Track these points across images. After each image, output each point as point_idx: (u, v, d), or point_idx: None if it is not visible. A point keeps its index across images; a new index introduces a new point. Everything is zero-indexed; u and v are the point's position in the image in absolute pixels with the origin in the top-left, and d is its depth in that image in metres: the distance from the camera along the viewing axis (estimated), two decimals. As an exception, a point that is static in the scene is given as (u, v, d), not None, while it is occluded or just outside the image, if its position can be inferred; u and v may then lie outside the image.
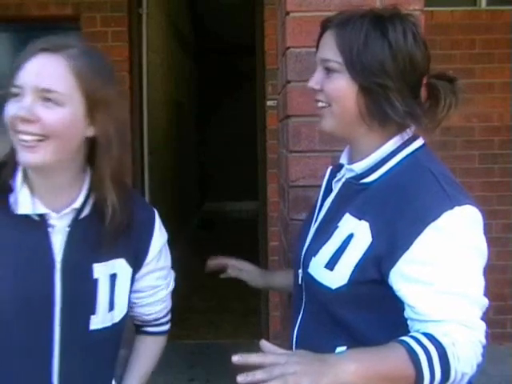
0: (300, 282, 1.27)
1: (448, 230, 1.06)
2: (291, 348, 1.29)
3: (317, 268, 1.19)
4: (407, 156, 1.18)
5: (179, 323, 5.11)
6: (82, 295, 1.20)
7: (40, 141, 1.10)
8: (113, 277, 1.23)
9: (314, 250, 1.22)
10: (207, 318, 4.90)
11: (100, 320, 1.21)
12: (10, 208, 1.16)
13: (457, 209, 1.07)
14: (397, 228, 1.08)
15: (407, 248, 1.06)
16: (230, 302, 5.19)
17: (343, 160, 1.29)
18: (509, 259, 4.10)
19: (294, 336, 1.29)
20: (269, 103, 4.10)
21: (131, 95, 4.23)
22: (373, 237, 1.11)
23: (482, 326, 1.06)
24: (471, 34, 4.15)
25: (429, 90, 1.21)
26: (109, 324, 1.23)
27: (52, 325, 1.16)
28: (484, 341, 1.06)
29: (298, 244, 1.32)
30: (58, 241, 1.17)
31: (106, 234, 1.19)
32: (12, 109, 1.10)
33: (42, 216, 1.17)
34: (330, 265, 1.16)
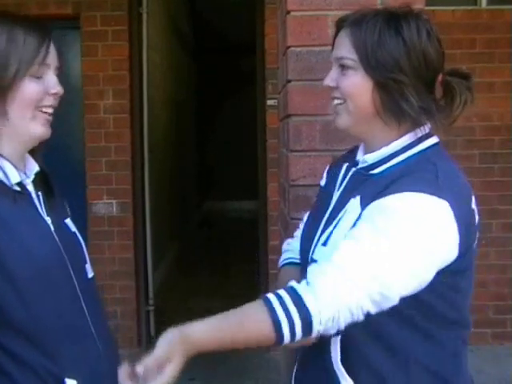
0: None
1: (413, 207, 1.06)
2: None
3: (317, 250, 1.21)
4: (418, 153, 1.18)
5: (179, 323, 5.13)
6: (74, 248, 1.27)
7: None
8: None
9: (322, 241, 1.23)
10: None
11: (89, 269, 1.32)
12: (1, 184, 1.17)
13: (434, 198, 1.06)
14: (380, 193, 1.10)
15: (376, 199, 1.09)
16: (229, 301, 5.16)
17: (359, 156, 1.29)
18: (509, 259, 4.09)
19: None
20: (269, 102, 4.10)
21: (131, 94, 4.23)
22: (361, 208, 1.13)
23: (367, 286, 1.02)
24: (472, 33, 4.15)
25: (444, 88, 1.22)
26: (92, 274, 1.32)
27: (73, 282, 1.22)
28: (363, 302, 1.03)
29: (306, 240, 1.32)
30: (38, 205, 1.23)
31: (54, 193, 1.29)
32: (36, 87, 1.19)
33: (21, 185, 1.20)
34: (325, 242, 1.19)
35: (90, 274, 1.31)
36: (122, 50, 4.16)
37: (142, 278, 4.41)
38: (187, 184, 8.82)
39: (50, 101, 1.23)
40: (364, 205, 1.13)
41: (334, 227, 1.20)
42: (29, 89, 1.19)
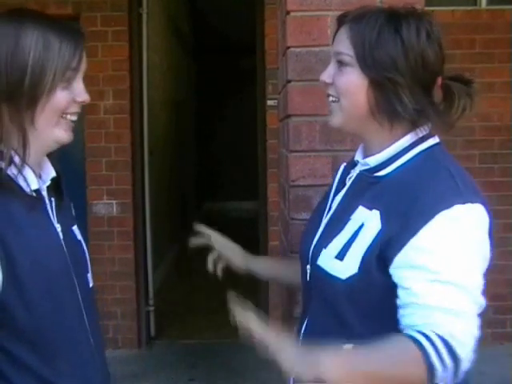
0: (308, 278, 1.26)
1: (457, 222, 1.07)
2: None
3: (327, 259, 1.18)
4: (422, 152, 1.18)
5: (179, 323, 5.13)
6: (78, 257, 1.27)
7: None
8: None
9: (324, 242, 1.21)
10: (207, 318, 4.89)
11: (91, 278, 1.31)
12: (20, 188, 1.16)
13: (469, 205, 1.08)
14: (407, 215, 1.08)
15: (415, 234, 1.07)
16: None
17: (358, 157, 1.28)
18: (509, 259, 4.09)
19: (301, 336, 1.27)
20: (269, 103, 4.11)
21: (131, 94, 4.23)
22: (382, 224, 1.11)
23: (476, 321, 1.06)
24: (471, 33, 4.15)
25: (444, 92, 1.21)
26: (92, 283, 1.32)
27: (76, 291, 1.22)
28: (477, 334, 1.06)
29: (306, 239, 1.30)
30: (50, 211, 1.22)
31: (62, 200, 1.27)
32: (67, 96, 1.17)
33: (36, 191, 1.19)
34: (341, 255, 1.16)
35: (91, 284, 1.31)
36: (121, 50, 4.16)
37: (142, 278, 4.41)
38: (187, 184, 8.82)
39: (75, 108, 1.22)
40: (386, 222, 1.11)
41: (337, 233, 1.18)
42: (60, 98, 1.17)
